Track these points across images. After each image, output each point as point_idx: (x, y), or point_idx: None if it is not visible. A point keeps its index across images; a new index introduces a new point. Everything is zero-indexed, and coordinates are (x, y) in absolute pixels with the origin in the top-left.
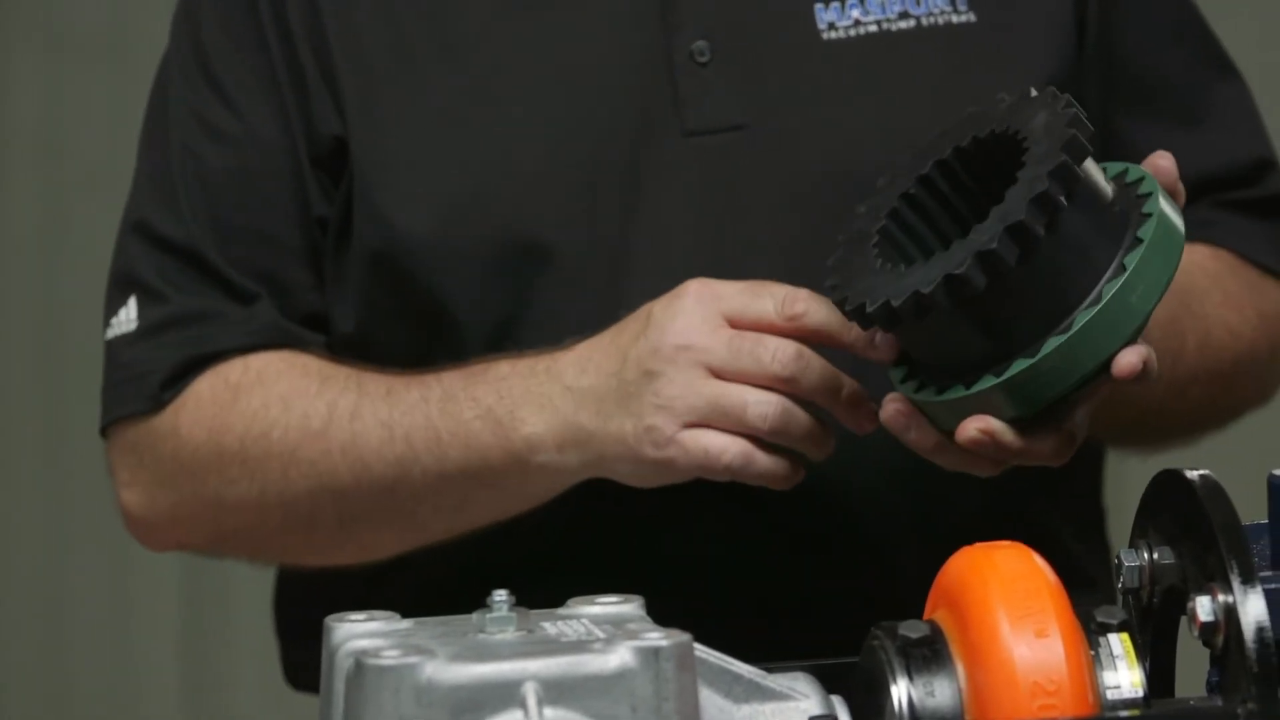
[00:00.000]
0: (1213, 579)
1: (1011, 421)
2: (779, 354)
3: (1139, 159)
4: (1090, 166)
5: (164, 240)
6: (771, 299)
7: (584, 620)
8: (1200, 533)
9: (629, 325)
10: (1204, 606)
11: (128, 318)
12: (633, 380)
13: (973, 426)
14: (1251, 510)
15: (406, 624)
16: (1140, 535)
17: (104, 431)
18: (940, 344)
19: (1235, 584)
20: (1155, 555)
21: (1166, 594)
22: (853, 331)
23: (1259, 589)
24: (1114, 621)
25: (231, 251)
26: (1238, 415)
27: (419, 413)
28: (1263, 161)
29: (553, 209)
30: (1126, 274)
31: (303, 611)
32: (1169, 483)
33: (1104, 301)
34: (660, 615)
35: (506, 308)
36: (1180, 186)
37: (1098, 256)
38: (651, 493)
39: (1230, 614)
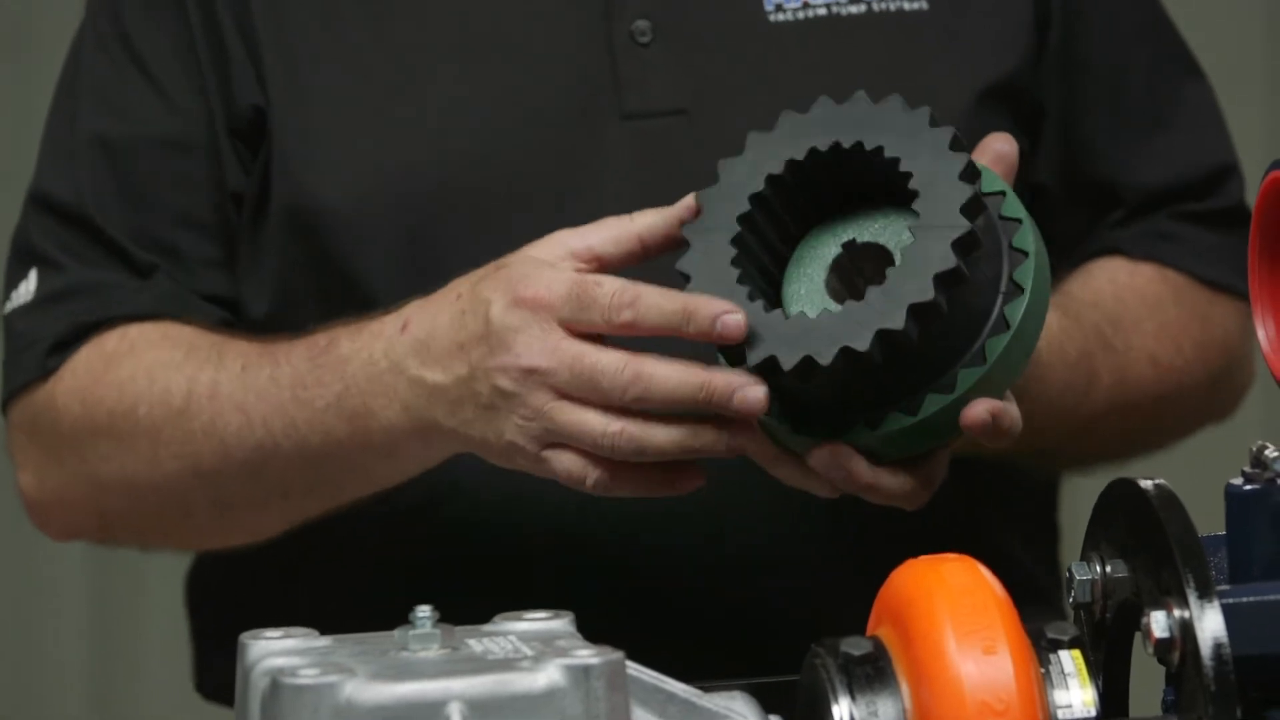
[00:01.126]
0: (1168, 593)
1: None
2: (616, 382)
3: (1097, 161)
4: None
5: (63, 210)
6: (598, 310)
7: (511, 637)
8: (1155, 545)
9: (468, 319)
10: (1159, 622)
11: (27, 290)
12: (485, 394)
13: (827, 450)
14: (1208, 522)
15: (325, 641)
16: (1092, 547)
17: (4, 410)
18: (813, 391)
19: (1192, 599)
20: (1108, 568)
21: (1120, 609)
22: (692, 324)
23: (1216, 604)
24: (1065, 638)
25: (133, 223)
26: (1166, 444)
27: (272, 398)
28: (1223, 168)
29: (480, 190)
30: (1011, 330)
31: (215, 615)
32: (1122, 492)
33: (990, 361)
34: (592, 632)
35: (428, 291)
36: (1015, 168)
37: (979, 306)
38: (583, 505)
39: (1187, 630)
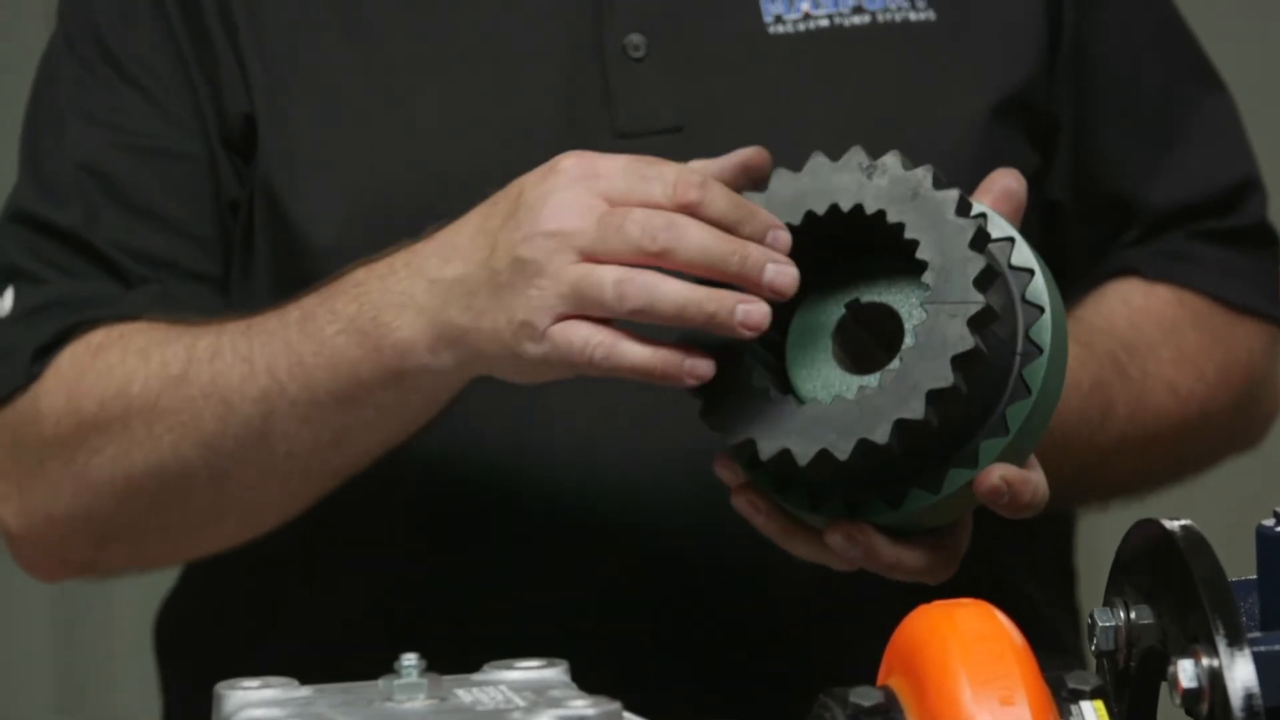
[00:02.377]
0: (1196, 640)
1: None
2: (647, 225)
3: (1111, 177)
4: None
5: (47, 226)
6: (660, 181)
7: (502, 686)
8: (1182, 590)
9: (497, 205)
10: (1186, 671)
11: (2, 308)
12: (503, 270)
13: (841, 530)
14: (1238, 565)
15: (305, 691)
16: (1116, 592)
17: None
18: (829, 472)
19: (1221, 646)
20: (1132, 614)
21: (1145, 657)
22: (753, 222)
23: (1247, 652)
24: (1087, 688)
25: (124, 235)
26: (1189, 476)
27: (278, 339)
28: (1244, 183)
29: (466, 210)
30: (1034, 395)
31: (185, 661)
32: (1147, 534)
33: (1013, 431)
34: (587, 681)
35: None
36: (1024, 206)
37: (996, 371)
38: (576, 545)
39: (1216, 679)
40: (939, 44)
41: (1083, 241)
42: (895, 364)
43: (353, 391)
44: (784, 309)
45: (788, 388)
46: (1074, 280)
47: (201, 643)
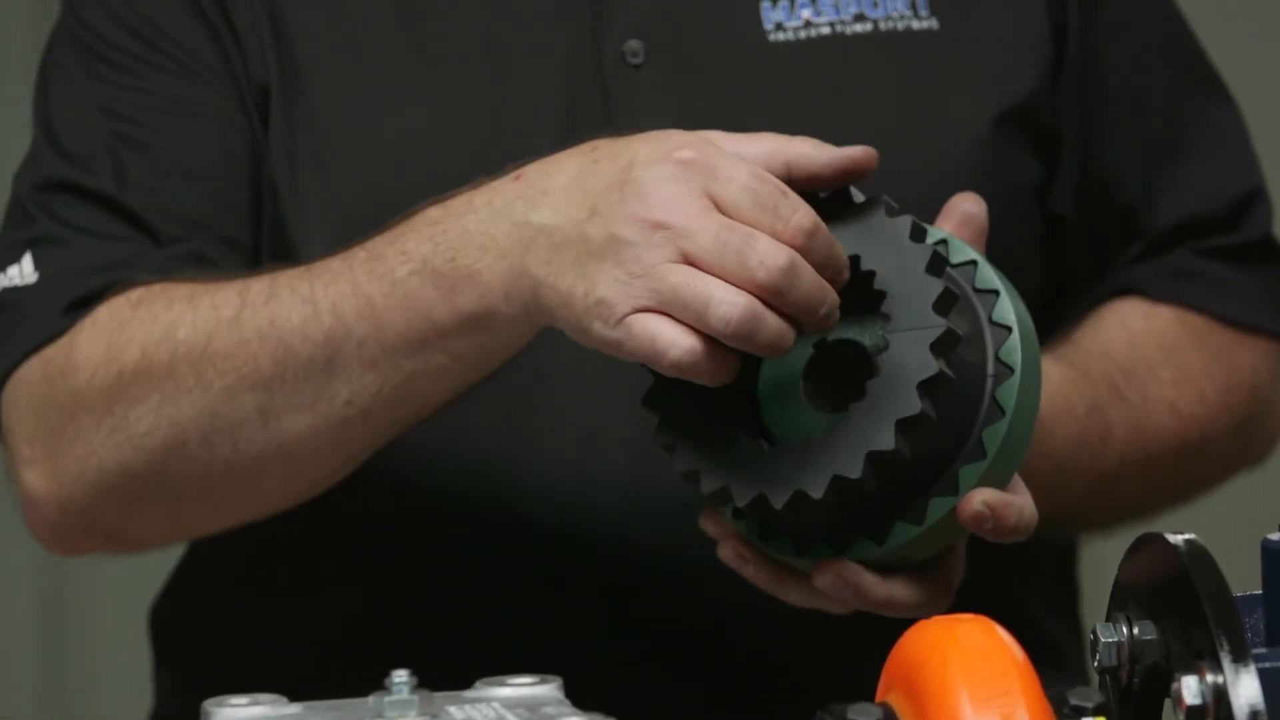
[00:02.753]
0: (1200, 657)
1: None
2: (768, 260)
3: (1115, 191)
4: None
5: (77, 189)
6: (774, 216)
7: (495, 704)
8: (1186, 605)
9: (601, 166)
10: (1190, 688)
11: (20, 272)
12: (597, 240)
13: (830, 571)
14: (1243, 579)
15: (294, 708)
16: (1118, 607)
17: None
18: (814, 514)
19: (1226, 662)
20: (1135, 630)
21: (1148, 673)
22: (840, 274)
23: (1252, 668)
24: (1090, 704)
25: (155, 197)
26: (1193, 497)
27: (344, 280)
28: (1250, 195)
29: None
30: (1008, 416)
31: (181, 660)
32: (1150, 549)
33: (990, 454)
34: (581, 698)
35: None
36: (985, 230)
37: (968, 395)
38: (570, 561)
39: (1220, 696)
40: (942, 53)
41: (1085, 256)
42: (863, 398)
43: (426, 335)
44: (753, 355)
45: (761, 433)
46: (1076, 296)
47: (195, 640)
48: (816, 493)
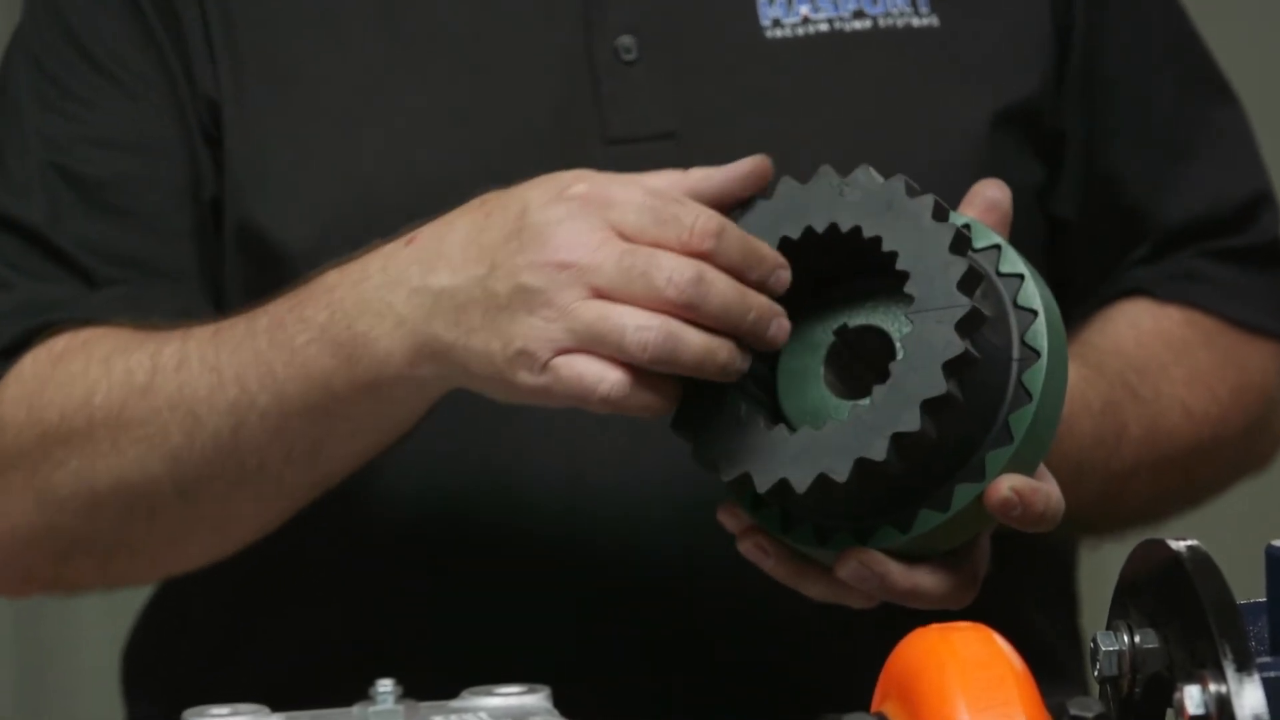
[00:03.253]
0: (1203, 666)
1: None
2: (675, 276)
3: (1120, 192)
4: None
5: (11, 224)
6: (677, 225)
7: (482, 714)
8: (1189, 613)
9: (493, 218)
10: (1193, 697)
11: None
12: (503, 294)
13: (854, 559)
14: (1247, 587)
15: (276, 718)
16: (1119, 615)
17: None
18: (833, 504)
19: (1229, 671)
20: (1137, 638)
21: (1150, 683)
22: (760, 267)
23: (1256, 678)
24: (1090, 715)
25: (93, 234)
26: (1201, 501)
27: (247, 348)
28: (1257, 198)
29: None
30: (1035, 399)
31: (155, 681)
32: (1152, 555)
33: (1018, 439)
34: (570, 707)
35: None
36: (1010, 216)
37: (994, 380)
38: (559, 570)
39: (1224, 706)
40: (942, 50)
41: (1090, 258)
42: (887, 380)
43: (326, 403)
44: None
45: (779, 419)
46: (1080, 299)
47: (169, 668)
48: (840, 476)
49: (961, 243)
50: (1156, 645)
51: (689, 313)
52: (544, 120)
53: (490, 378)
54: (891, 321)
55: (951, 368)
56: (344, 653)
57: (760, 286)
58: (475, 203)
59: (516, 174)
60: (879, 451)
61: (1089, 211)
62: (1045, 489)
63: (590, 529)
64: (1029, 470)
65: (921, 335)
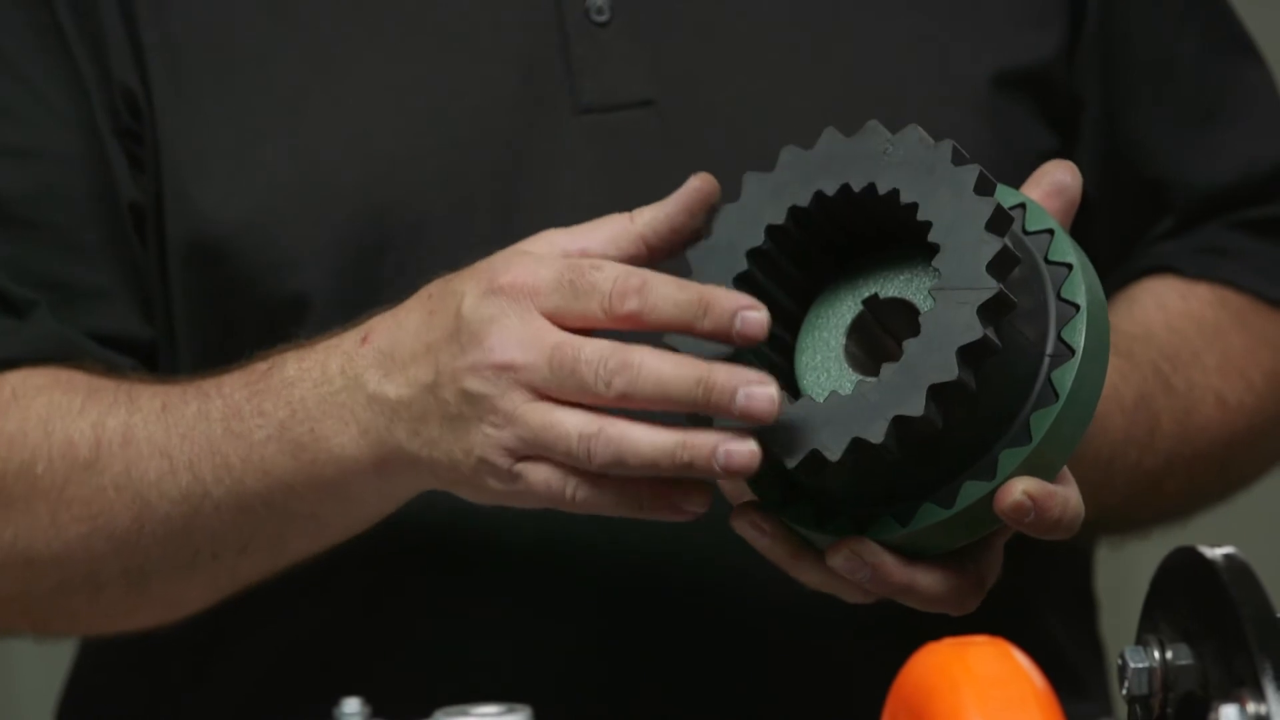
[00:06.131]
0: (1241, 684)
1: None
2: (599, 368)
3: (1142, 161)
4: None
5: None
6: (597, 295)
7: None
8: (1225, 627)
9: (437, 319)
10: (1231, 718)
11: None
12: (453, 402)
13: (848, 547)
14: None
15: None
16: (1150, 629)
17: None
18: (832, 484)
19: (1269, 690)
20: (1169, 654)
21: (1183, 702)
22: (708, 318)
23: None
24: None
25: (3, 254)
26: (1234, 493)
27: (200, 435)
28: None
29: (415, 198)
30: (1061, 400)
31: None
32: (1185, 564)
33: (1036, 439)
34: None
35: (356, 316)
36: (1076, 203)
37: (1021, 373)
38: (538, 585)
39: None
40: (944, 11)
41: (1111, 233)
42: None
43: (287, 501)
44: (797, 303)
45: (794, 386)
46: (1102, 276)
47: (116, 699)
48: (833, 455)
49: (1001, 221)
50: (1190, 662)
51: (626, 404)
52: (509, 88)
53: (460, 483)
54: (924, 297)
55: (967, 353)
56: (308, 672)
57: (723, 336)
58: (423, 294)
59: (480, 148)
60: (877, 433)
61: (1109, 183)
62: (1062, 494)
63: (572, 542)
64: (1048, 474)
65: (941, 315)
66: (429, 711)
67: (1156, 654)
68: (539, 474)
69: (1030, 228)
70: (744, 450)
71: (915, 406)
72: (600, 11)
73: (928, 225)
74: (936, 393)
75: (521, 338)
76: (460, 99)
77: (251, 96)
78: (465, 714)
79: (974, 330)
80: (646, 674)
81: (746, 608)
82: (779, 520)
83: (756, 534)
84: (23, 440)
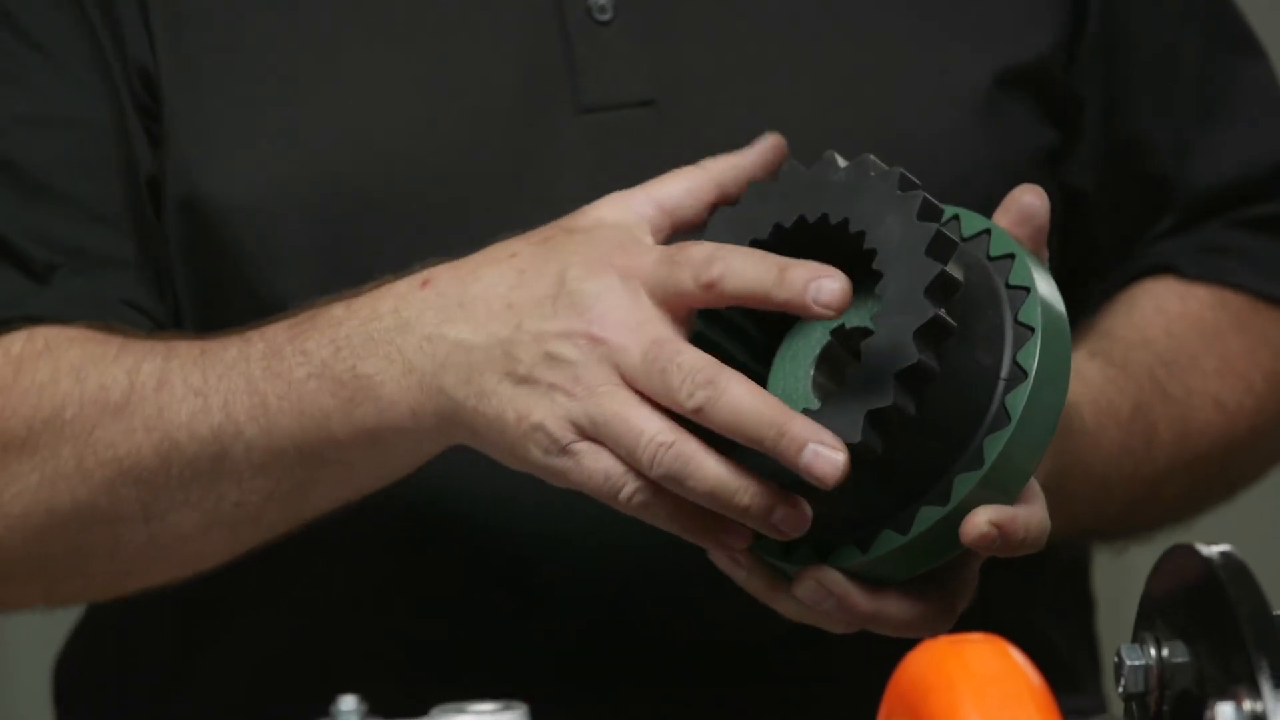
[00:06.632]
0: (1238, 682)
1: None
2: (689, 376)
3: (1142, 159)
4: (958, 266)
5: None
6: (690, 267)
7: None
8: (1222, 625)
9: (529, 278)
10: (1226, 716)
11: None
12: (527, 361)
13: (811, 578)
14: None
15: None
16: (1146, 627)
17: None
18: None
19: (1266, 688)
20: (1165, 652)
21: (1179, 700)
22: (784, 287)
23: None
24: None
25: (27, 219)
26: (1234, 495)
27: (238, 374)
28: None
29: (411, 197)
30: (1012, 423)
31: (90, 689)
32: (1181, 562)
33: (988, 463)
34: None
35: None
36: (1045, 230)
37: (974, 398)
38: (535, 581)
39: None
40: (947, 8)
41: (1110, 232)
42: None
43: (320, 444)
44: (768, 335)
45: None
46: (1100, 276)
47: (108, 687)
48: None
49: (942, 246)
50: (1186, 659)
51: (700, 419)
52: (510, 87)
53: (497, 445)
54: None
55: (903, 379)
56: (303, 668)
57: (799, 307)
58: (501, 251)
59: (479, 146)
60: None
61: (1109, 181)
62: (1024, 516)
63: (569, 540)
64: (1006, 497)
65: (879, 341)
66: (426, 709)
67: (1153, 651)
68: (600, 461)
69: (994, 253)
70: (796, 515)
71: (852, 434)
72: (602, 11)
73: (873, 253)
74: (874, 419)
75: (627, 319)
76: (460, 97)
77: (252, 84)
78: (462, 711)
79: (910, 355)
80: (644, 671)
81: (744, 605)
82: (752, 553)
83: (734, 567)
84: (54, 388)
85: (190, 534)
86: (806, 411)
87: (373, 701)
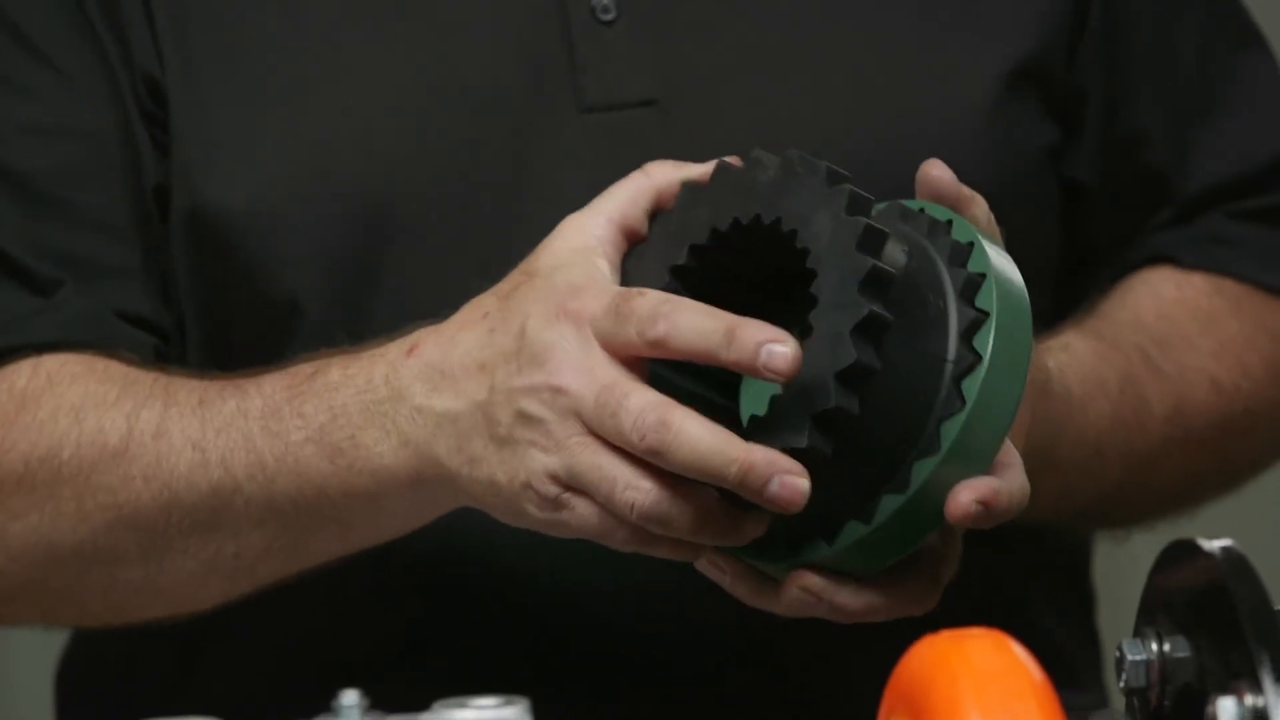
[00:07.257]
0: (1239, 677)
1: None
2: (639, 419)
3: (1143, 152)
4: (893, 256)
5: None
6: (635, 322)
7: None
8: (1223, 619)
9: (498, 336)
10: (1228, 711)
11: None
12: (504, 422)
13: (795, 585)
14: None
15: None
16: (1147, 622)
17: None
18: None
19: (1267, 683)
20: (1166, 647)
21: (1180, 695)
22: (732, 348)
23: None
24: None
25: (29, 230)
26: (1237, 484)
27: (236, 430)
28: None
29: (415, 196)
30: (968, 406)
31: (92, 690)
32: (1183, 557)
33: (944, 448)
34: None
35: (360, 316)
36: (961, 193)
37: (924, 385)
38: (534, 581)
39: None
40: (948, 6)
41: (1110, 224)
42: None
43: (318, 505)
44: None
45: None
46: (1100, 268)
47: (109, 691)
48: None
49: (872, 239)
50: (1188, 654)
51: (659, 461)
52: (513, 87)
53: (497, 506)
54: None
55: (844, 377)
56: (305, 663)
57: (748, 368)
58: (475, 309)
59: (481, 147)
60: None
61: (1109, 174)
62: (1004, 487)
63: (564, 540)
64: (970, 476)
65: (818, 342)
66: (427, 704)
67: (1154, 646)
68: (588, 510)
69: (960, 239)
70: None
71: (799, 439)
72: (606, 11)
73: (806, 252)
74: (819, 422)
75: (580, 365)
76: (463, 97)
77: (254, 87)
78: (463, 705)
79: (848, 354)
80: (644, 668)
81: (742, 603)
82: (734, 558)
83: (718, 573)
84: (53, 426)
85: (187, 580)
86: (753, 418)
87: (373, 698)
